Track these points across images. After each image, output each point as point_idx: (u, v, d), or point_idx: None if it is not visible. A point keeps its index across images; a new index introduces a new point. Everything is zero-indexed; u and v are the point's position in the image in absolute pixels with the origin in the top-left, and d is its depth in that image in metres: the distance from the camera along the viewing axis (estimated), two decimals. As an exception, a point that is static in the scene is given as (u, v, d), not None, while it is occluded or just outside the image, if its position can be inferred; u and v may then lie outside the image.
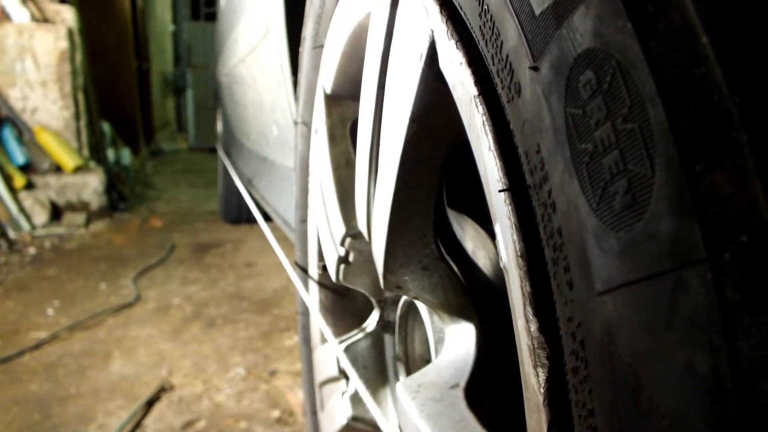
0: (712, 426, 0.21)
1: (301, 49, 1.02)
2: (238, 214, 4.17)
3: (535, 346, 0.34)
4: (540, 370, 0.34)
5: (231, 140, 3.45)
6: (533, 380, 0.34)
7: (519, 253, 0.35)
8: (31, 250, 3.59)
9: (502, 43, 0.35)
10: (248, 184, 2.66)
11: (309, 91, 0.99)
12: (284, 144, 1.78)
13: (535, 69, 0.30)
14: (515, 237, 0.35)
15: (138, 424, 1.77)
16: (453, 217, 0.65)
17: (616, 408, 0.26)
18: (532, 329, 0.34)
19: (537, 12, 0.30)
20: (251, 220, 4.10)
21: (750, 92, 0.21)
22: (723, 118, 0.22)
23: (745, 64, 0.22)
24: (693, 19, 0.23)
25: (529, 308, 0.34)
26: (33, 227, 3.92)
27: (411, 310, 0.85)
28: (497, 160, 0.37)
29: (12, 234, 3.72)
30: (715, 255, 0.21)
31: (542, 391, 0.33)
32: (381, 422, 0.64)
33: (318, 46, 0.91)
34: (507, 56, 0.34)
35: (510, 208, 0.36)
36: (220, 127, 4.09)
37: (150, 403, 1.87)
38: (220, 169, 4.19)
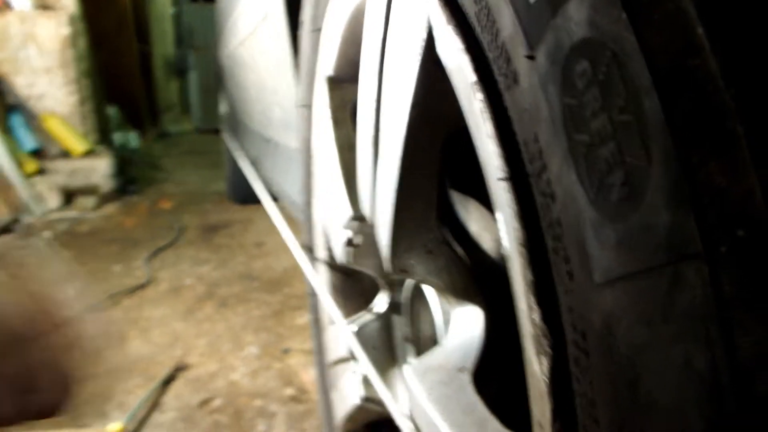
0: (709, 420, 0.21)
1: (300, 32, 1.01)
2: (246, 195, 4.17)
3: (538, 334, 0.34)
4: (543, 358, 0.34)
5: (235, 122, 3.45)
6: (537, 368, 0.35)
7: (520, 242, 0.35)
8: (46, 234, 3.62)
9: (498, 30, 0.35)
10: (253, 165, 2.66)
11: (309, 75, 0.99)
12: (287, 125, 1.78)
13: (531, 58, 0.30)
14: (516, 225, 0.35)
15: (156, 403, 1.80)
16: (457, 200, 0.65)
17: (616, 400, 0.26)
18: (534, 318, 0.34)
19: (532, 0, 0.30)
20: (259, 200, 4.10)
21: (745, 83, 0.21)
22: (718, 109, 0.21)
23: (741, 56, 0.21)
24: (688, 9, 0.22)
25: (531, 297, 0.35)
26: (46, 212, 3.95)
27: (418, 291, 0.85)
28: (497, 148, 0.37)
29: (26, 219, 3.75)
30: (711, 248, 0.21)
31: (546, 379, 0.33)
32: (389, 404, 0.64)
33: (317, 30, 0.91)
34: (503, 44, 0.34)
35: (511, 196, 0.36)
36: (223, 108, 4.08)
37: (167, 382, 1.90)
38: (226, 151, 4.19)
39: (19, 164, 3.94)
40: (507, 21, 0.33)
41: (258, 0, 1.77)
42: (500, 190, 0.37)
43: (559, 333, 0.33)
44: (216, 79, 4.38)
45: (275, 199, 2.40)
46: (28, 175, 4.00)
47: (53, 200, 4.05)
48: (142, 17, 7.62)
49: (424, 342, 0.84)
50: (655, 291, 0.23)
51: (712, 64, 0.22)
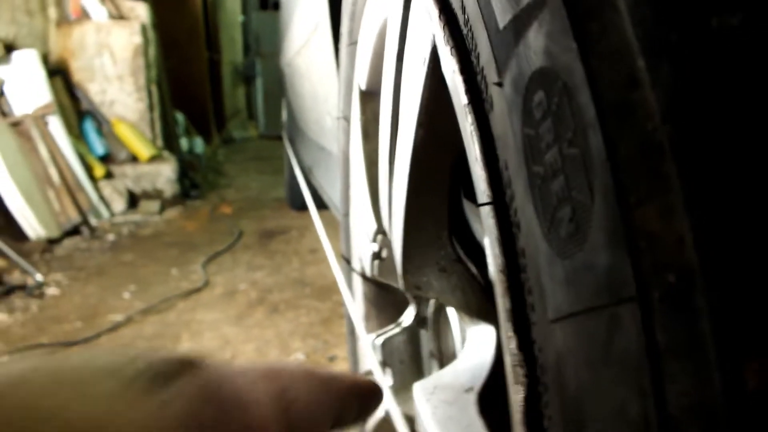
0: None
1: (339, 45, 1.02)
2: (304, 202, 4.23)
3: (515, 362, 0.33)
4: (519, 387, 0.33)
5: (294, 128, 3.51)
6: (514, 397, 0.34)
7: (500, 268, 0.34)
8: (110, 237, 3.77)
9: (479, 54, 0.34)
10: (309, 172, 2.70)
11: (347, 87, 1.00)
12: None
13: (500, 85, 0.30)
14: (497, 251, 0.35)
15: (202, 407, 1.84)
16: (472, 214, 0.64)
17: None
18: (511, 346, 0.33)
19: (501, 26, 0.29)
20: (317, 207, 4.16)
21: (683, 122, 0.20)
22: (655, 149, 0.20)
23: (679, 91, 0.20)
24: (631, 39, 0.21)
25: (509, 324, 0.34)
26: (112, 215, 4.12)
27: (443, 306, 0.84)
28: (482, 172, 0.36)
29: (93, 221, 3.91)
30: (644, 294, 0.20)
31: (520, 409, 0.32)
32: (397, 421, 0.64)
33: (353, 43, 0.91)
34: (483, 69, 0.34)
35: (493, 221, 0.35)
36: (284, 115, 4.16)
37: (214, 387, 1.94)
38: (286, 157, 4.26)
39: (90, 168, 4.13)
40: (484, 45, 0.33)
41: (310, 11, 1.80)
42: (485, 215, 0.37)
43: (532, 363, 0.32)
44: (279, 86, 4.48)
45: (326, 206, 2.43)
46: (97, 179, 4.17)
47: (119, 204, 4.21)
48: (212, 25, 7.86)
49: (447, 358, 0.83)
50: (595, 333, 0.22)
51: (651, 99, 0.21)
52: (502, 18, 0.29)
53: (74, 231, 3.71)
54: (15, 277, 2.92)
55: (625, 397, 0.21)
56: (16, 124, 3.63)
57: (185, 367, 0.26)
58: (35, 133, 3.69)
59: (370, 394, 0.36)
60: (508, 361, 0.35)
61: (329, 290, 2.79)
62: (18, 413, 0.20)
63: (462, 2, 0.37)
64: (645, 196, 0.20)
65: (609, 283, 0.22)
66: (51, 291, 2.83)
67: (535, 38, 0.26)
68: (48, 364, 0.23)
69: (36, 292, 2.78)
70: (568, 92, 0.24)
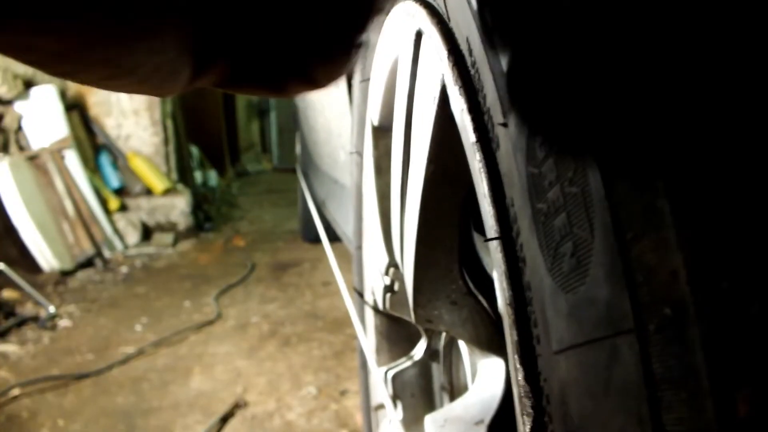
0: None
1: (353, 81, 1.05)
2: (317, 234, 4.25)
3: (522, 394, 0.34)
4: (526, 418, 0.34)
5: (308, 162, 3.55)
6: (521, 428, 0.35)
7: (507, 302, 0.35)
8: (123, 269, 3.80)
9: (486, 95, 0.36)
10: (322, 205, 2.73)
11: (360, 122, 1.02)
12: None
13: (505, 125, 0.31)
14: (504, 285, 0.36)
15: (213, 440, 1.84)
16: (484, 249, 0.65)
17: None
18: (519, 377, 0.34)
19: (505, 70, 0.31)
20: (330, 240, 4.17)
21: (674, 161, 0.21)
22: (650, 187, 0.22)
23: (670, 131, 0.22)
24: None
25: (516, 356, 0.35)
26: (126, 247, 4.16)
27: (454, 340, 0.85)
28: (490, 208, 0.38)
29: (107, 253, 3.95)
30: (642, 326, 0.21)
31: (527, 441, 0.33)
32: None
33: (365, 80, 0.94)
34: (489, 109, 0.35)
35: (500, 256, 0.36)
36: (298, 149, 4.21)
37: (225, 419, 1.94)
38: (299, 190, 4.29)
39: (104, 201, 4.18)
40: (490, 87, 0.34)
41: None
42: (493, 249, 0.38)
43: (538, 394, 0.33)
44: (293, 121, 4.53)
45: (339, 239, 2.44)
46: (112, 212, 4.22)
47: (133, 236, 4.25)
48: (226, 61, 7.97)
49: (458, 391, 0.83)
50: (597, 363, 0.23)
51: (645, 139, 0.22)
52: (506, 63, 0.31)
53: (88, 263, 3.74)
54: (27, 309, 2.94)
55: (625, 425, 0.22)
56: (33, 158, 3.70)
57: None
58: (52, 167, 3.75)
59: None
60: (516, 392, 0.36)
61: (342, 323, 2.79)
62: None
63: (469, 45, 0.38)
64: (641, 232, 0.22)
65: (608, 315, 0.23)
66: (63, 323, 2.85)
67: (537, 82, 0.27)
68: None
69: (48, 323, 2.80)
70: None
